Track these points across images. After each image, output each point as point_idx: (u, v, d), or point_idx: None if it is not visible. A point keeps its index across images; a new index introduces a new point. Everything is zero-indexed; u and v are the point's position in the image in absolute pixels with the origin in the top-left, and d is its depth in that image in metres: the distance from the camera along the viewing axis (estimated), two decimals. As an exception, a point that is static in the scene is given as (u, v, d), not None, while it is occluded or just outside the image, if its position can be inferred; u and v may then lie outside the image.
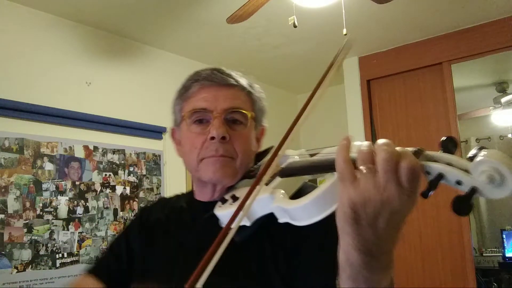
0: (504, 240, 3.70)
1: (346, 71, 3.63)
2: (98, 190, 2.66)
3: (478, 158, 0.48)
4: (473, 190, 0.50)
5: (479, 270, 3.30)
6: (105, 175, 2.71)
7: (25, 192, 2.32)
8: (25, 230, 2.29)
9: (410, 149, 0.54)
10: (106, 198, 2.69)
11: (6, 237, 2.22)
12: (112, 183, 2.74)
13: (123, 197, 2.78)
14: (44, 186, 2.40)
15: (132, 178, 2.85)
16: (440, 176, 0.53)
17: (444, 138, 0.54)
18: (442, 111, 3.18)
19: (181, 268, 0.78)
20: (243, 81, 0.96)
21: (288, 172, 0.78)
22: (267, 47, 3.23)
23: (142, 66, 3.05)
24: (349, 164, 0.54)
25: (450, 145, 0.54)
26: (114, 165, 2.76)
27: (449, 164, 0.52)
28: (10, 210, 2.25)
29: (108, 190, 2.71)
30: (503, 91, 3.63)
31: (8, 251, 2.21)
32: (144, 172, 2.93)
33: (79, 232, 2.52)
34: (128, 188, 2.82)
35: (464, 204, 0.52)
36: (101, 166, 2.70)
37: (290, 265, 0.80)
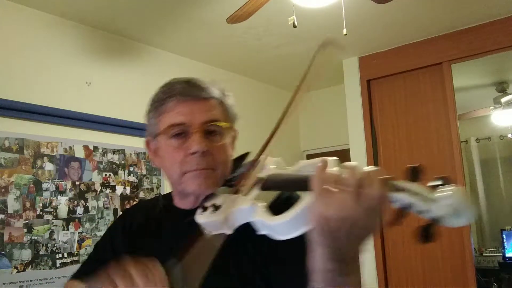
0: (504, 240, 3.70)
1: (346, 71, 3.63)
2: (98, 190, 2.66)
3: (441, 195, 0.56)
4: (435, 220, 0.57)
5: (479, 270, 3.30)
6: (105, 175, 2.71)
7: (25, 192, 2.32)
8: (25, 230, 2.29)
9: (380, 176, 0.60)
10: (106, 198, 2.69)
11: (6, 237, 2.22)
12: (112, 183, 2.74)
13: (123, 197, 2.78)
14: (44, 186, 2.40)
15: (132, 178, 2.85)
16: (405, 207, 0.59)
17: (410, 166, 0.60)
18: (442, 111, 3.18)
19: None
20: (216, 92, 0.98)
21: (268, 186, 0.82)
22: (267, 47, 3.23)
23: (142, 66, 3.05)
24: (324, 186, 0.62)
25: (416, 174, 0.60)
26: (114, 165, 2.76)
27: (414, 195, 0.58)
28: (10, 210, 2.25)
29: (108, 190, 2.71)
30: (503, 91, 3.63)
31: (8, 251, 2.21)
32: (144, 172, 2.93)
33: (79, 232, 2.52)
34: (128, 188, 2.82)
35: (427, 233, 0.59)
36: (101, 166, 2.70)
37: (269, 268, 0.85)
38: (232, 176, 0.96)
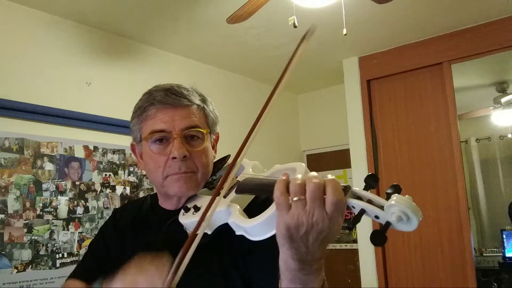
0: (504, 240, 3.70)
1: (346, 71, 3.64)
2: (98, 190, 2.66)
3: (390, 202, 0.62)
4: (387, 225, 0.63)
5: (479, 270, 3.30)
6: (105, 175, 2.71)
7: (25, 192, 2.32)
8: (25, 230, 2.29)
9: (338, 184, 0.66)
10: (106, 198, 2.69)
11: (6, 237, 2.22)
12: (112, 183, 2.74)
13: (123, 197, 2.78)
14: (44, 186, 2.40)
15: (132, 178, 2.85)
16: (362, 212, 0.65)
17: (367, 175, 0.67)
18: (442, 111, 3.18)
19: None
20: (196, 99, 1.03)
21: (242, 190, 0.87)
22: (267, 47, 3.23)
23: (142, 66, 3.05)
24: (284, 196, 0.67)
25: (372, 182, 0.66)
26: (114, 165, 2.76)
27: (369, 201, 0.65)
28: (10, 210, 2.25)
29: (108, 190, 2.71)
30: (503, 91, 3.63)
31: (8, 251, 2.21)
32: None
33: (79, 232, 2.52)
34: (128, 188, 2.82)
35: (380, 236, 0.63)
36: (101, 166, 2.70)
37: (246, 266, 0.90)
38: (213, 178, 1.02)
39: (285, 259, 0.70)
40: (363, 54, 3.52)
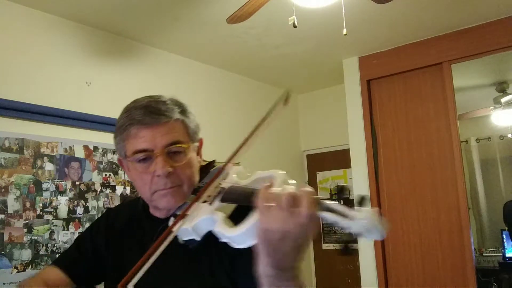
0: (504, 240, 3.70)
1: (346, 71, 3.63)
2: (98, 190, 2.66)
3: (358, 214, 0.67)
4: (355, 235, 0.67)
5: (479, 270, 3.30)
6: (105, 175, 2.71)
7: (25, 192, 2.32)
8: (25, 230, 2.29)
9: (314, 198, 0.71)
10: (106, 198, 2.69)
11: (6, 237, 2.22)
12: (112, 183, 2.74)
13: (123, 197, 2.78)
14: (44, 186, 2.40)
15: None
16: (330, 224, 0.69)
17: (337, 187, 0.78)
18: (442, 111, 3.18)
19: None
20: (175, 112, 1.04)
21: (226, 199, 0.91)
22: (267, 47, 3.23)
23: (142, 66, 3.05)
24: (264, 203, 0.72)
25: (342, 194, 0.81)
26: (114, 165, 2.76)
27: (339, 214, 0.69)
28: (10, 210, 2.25)
29: (108, 190, 2.71)
30: (503, 91, 3.63)
31: (8, 251, 2.21)
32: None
33: (79, 232, 2.52)
34: (128, 188, 2.82)
35: (347, 246, 0.69)
36: (101, 166, 2.70)
37: (234, 269, 0.94)
38: (199, 185, 1.04)
39: (263, 266, 0.74)
40: (363, 54, 3.52)
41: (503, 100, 3.61)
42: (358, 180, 3.49)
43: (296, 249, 0.71)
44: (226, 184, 0.94)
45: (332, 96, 4.19)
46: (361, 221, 0.66)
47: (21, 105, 2.34)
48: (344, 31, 2.18)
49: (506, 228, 3.67)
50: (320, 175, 4.35)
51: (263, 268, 0.74)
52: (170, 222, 0.95)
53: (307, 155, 4.45)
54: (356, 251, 0.69)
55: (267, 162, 3.91)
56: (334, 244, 4.19)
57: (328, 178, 4.28)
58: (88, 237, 1.22)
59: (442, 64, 3.18)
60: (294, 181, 0.76)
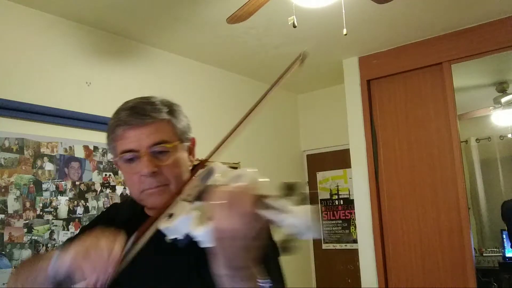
0: (504, 240, 3.70)
1: (346, 71, 3.64)
2: (98, 190, 2.66)
3: (293, 213, 0.66)
4: (291, 235, 0.66)
5: (479, 270, 3.30)
6: (105, 175, 2.71)
7: (25, 192, 2.32)
8: (25, 230, 2.29)
9: (256, 194, 0.70)
10: (106, 198, 2.69)
11: (6, 237, 2.22)
12: (112, 183, 2.74)
13: (123, 197, 2.78)
14: (44, 186, 2.40)
15: (132, 178, 2.85)
16: (269, 222, 0.69)
17: (282, 183, 0.71)
18: (442, 111, 3.18)
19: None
20: (162, 112, 1.05)
21: (200, 197, 0.90)
22: (267, 47, 3.23)
23: (142, 66, 3.05)
24: (214, 201, 0.72)
25: (286, 191, 0.70)
26: (114, 165, 2.76)
27: (276, 212, 0.68)
28: (10, 210, 2.25)
29: (108, 190, 2.71)
30: (503, 91, 3.63)
31: (8, 251, 2.21)
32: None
33: (79, 232, 2.52)
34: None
35: (286, 246, 0.67)
36: (101, 166, 2.70)
37: (209, 272, 0.95)
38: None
39: (217, 265, 0.74)
40: (363, 54, 3.52)
41: (503, 100, 3.62)
42: (358, 180, 3.49)
43: (245, 249, 0.71)
44: (208, 183, 0.94)
45: (332, 96, 4.19)
46: (295, 220, 0.66)
47: (21, 105, 2.34)
48: (344, 31, 2.18)
49: (506, 228, 3.67)
50: (320, 175, 4.35)
51: (218, 267, 0.74)
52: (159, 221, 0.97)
53: (307, 155, 4.45)
54: (297, 249, 0.70)
55: (267, 162, 3.91)
56: (334, 244, 4.19)
57: (328, 178, 4.28)
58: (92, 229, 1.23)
59: (442, 64, 3.18)
60: (266, 179, 0.76)
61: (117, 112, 1.08)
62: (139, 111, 1.04)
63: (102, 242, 0.87)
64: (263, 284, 0.77)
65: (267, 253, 0.77)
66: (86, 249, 0.88)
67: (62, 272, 0.89)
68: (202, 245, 0.83)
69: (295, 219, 0.66)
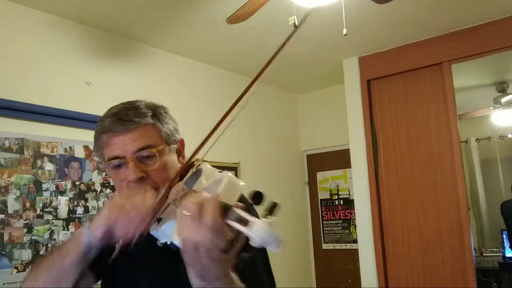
0: (504, 240, 3.70)
1: (346, 71, 3.63)
2: (98, 190, 2.66)
3: (256, 226, 0.66)
4: (255, 244, 0.66)
5: (479, 270, 3.30)
6: (105, 175, 2.71)
7: (25, 192, 2.32)
8: (25, 230, 2.29)
9: (221, 205, 0.70)
10: (106, 198, 2.69)
11: (6, 237, 2.22)
12: (112, 183, 2.74)
13: (123, 197, 2.78)
14: (44, 186, 2.40)
15: (132, 178, 2.85)
16: (237, 233, 0.68)
17: (252, 192, 0.71)
18: (442, 111, 3.18)
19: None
20: (146, 117, 1.04)
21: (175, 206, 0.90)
22: (267, 47, 3.23)
23: (142, 66, 3.05)
24: (180, 211, 0.71)
25: (257, 200, 0.70)
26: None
27: (241, 223, 0.67)
28: (10, 210, 2.25)
29: (108, 190, 2.71)
30: (503, 91, 3.63)
31: (8, 251, 2.21)
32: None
33: (79, 232, 2.52)
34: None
35: (235, 248, 0.68)
36: (101, 166, 2.70)
37: None
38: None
39: (189, 276, 0.74)
40: (363, 54, 3.52)
41: (503, 100, 3.61)
42: (358, 180, 3.49)
43: (213, 260, 0.70)
44: (194, 186, 0.93)
45: (332, 96, 4.19)
46: (258, 233, 0.66)
47: (21, 105, 2.34)
48: (344, 31, 2.18)
49: (506, 228, 3.67)
50: (320, 175, 4.35)
51: (191, 278, 0.74)
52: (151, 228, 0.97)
53: (307, 155, 4.45)
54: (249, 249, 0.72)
55: (267, 162, 3.91)
56: (334, 244, 4.19)
57: (328, 178, 4.28)
58: None
59: (442, 64, 3.18)
60: (242, 183, 0.75)
61: (102, 120, 1.07)
62: (122, 117, 1.03)
63: (135, 196, 0.88)
64: None
65: (254, 257, 0.77)
66: (120, 204, 0.88)
67: (97, 234, 0.89)
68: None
69: (258, 232, 0.66)
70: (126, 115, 1.03)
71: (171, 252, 0.91)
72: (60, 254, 0.97)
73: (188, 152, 1.15)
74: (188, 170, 1.00)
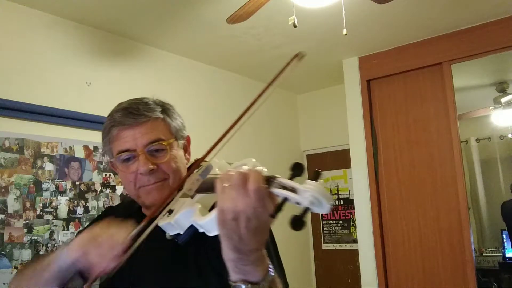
0: (504, 240, 3.70)
1: (346, 71, 3.63)
2: (98, 190, 2.66)
3: (303, 188, 0.67)
4: (306, 210, 0.67)
5: (479, 270, 3.30)
6: (105, 175, 2.71)
7: (25, 192, 2.32)
8: (25, 230, 2.29)
9: (264, 175, 0.71)
10: (106, 198, 2.69)
11: (6, 237, 2.22)
12: (112, 183, 2.74)
13: (123, 197, 2.78)
14: (44, 186, 2.40)
15: (132, 178, 2.85)
16: (285, 200, 0.69)
17: (292, 164, 0.71)
18: (442, 111, 3.18)
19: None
20: (156, 111, 1.06)
21: (201, 189, 0.92)
22: (267, 47, 3.23)
23: (142, 66, 3.05)
24: (219, 183, 0.72)
25: (297, 171, 0.71)
26: (110, 167, 2.76)
27: (291, 190, 0.68)
28: (10, 210, 2.25)
29: (108, 190, 2.71)
30: (503, 91, 3.63)
31: (8, 251, 2.21)
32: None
33: (79, 233, 2.52)
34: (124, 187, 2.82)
35: (297, 221, 0.67)
36: (101, 166, 2.70)
37: (221, 262, 0.95)
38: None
39: (224, 249, 0.74)
40: (363, 54, 3.52)
41: (503, 100, 3.62)
42: (358, 180, 3.49)
43: (251, 231, 0.70)
44: (206, 177, 0.96)
45: (332, 96, 4.19)
46: (307, 194, 0.66)
47: (21, 105, 2.34)
48: (344, 31, 2.18)
49: (506, 228, 3.67)
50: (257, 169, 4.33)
51: (225, 251, 0.74)
52: (158, 219, 0.97)
53: (307, 155, 4.45)
54: (305, 224, 0.70)
55: (267, 162, 3.90)
56: (334, 244, 4.19)
57: (328, 178, 4.28)
58: None
59: (442, 64, 3.18)
60: (265, 169, 0.76)
61: (111, 114, 1.09)
62: (133, 111, 1.05)
63: (110, 229, 0.89)
64: (271, 268, 0.77)
65: (267, 242, 0.77)
66: (94, 236, 0.89)
67: (69, 261, 0.90)
68: (209, 234, 0.83)
69: (311, 192, 0.66)
70: (137, 109, 1.05)
71: (176, 246, 0.92)
72: (41, 267, 0.99)
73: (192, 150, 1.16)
74: (198, 167, 1.02)
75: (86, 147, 2.63)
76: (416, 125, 3.29)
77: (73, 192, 2.53)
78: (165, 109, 1.10)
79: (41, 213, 2.37)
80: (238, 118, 0.90)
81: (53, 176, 2.45)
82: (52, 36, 2.58)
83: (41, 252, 2.34)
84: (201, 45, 3.16)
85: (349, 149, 3.58)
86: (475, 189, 3.92)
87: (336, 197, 4.23)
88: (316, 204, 0.66)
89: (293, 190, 0.68)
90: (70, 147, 2.56)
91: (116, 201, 2.74)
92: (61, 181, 2.48)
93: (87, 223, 2.55)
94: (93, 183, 2.64)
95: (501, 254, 3.70)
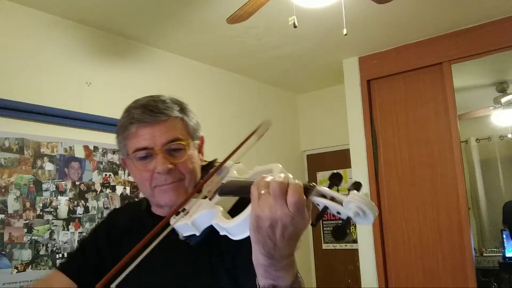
0: (504, 240, 3.70)
1: (346, 71, 3.63)
2: (98, 190, 2.66)
3: (348, 199, 0.66)
4: (347, 220, 0.67)
5: (479, 270, 3.30)
6: (105, 175, 2.71)
7: (25, 192, 2.32)
8: (25, 230, 2.29)
9: (304, 184, 0.71)
10: (106, 198, 2.69)
11: (6, 237, 2.22)
12: (112, 183, 2.74)
13: (124, 197, 2.78)
14: (44, 186, 2.40)
15: (132, 178, 2.85)
16: (325, 208, 0.69)
17: (331, 174, 0.73)
18: (442, 111, 3.18)
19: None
20: (174, 110, 1.05)
21: (224, 192, 0.92)
22: (267, 47, 3.23)
23: (142, 66, 3.05)
24: (256, 189, 0.71)
25: (336, 180, 0.72)
26: (114, 165, 2.76)
27: (332, 199, 0.69)
28: (10, 210, 2.25)
29: (108, 190, 2.71)
30: (503, 91, 3.63)
31: (8, 251, 2.21)
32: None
33: (79, 232, 2.52)
34: (128, 188, 2.82)
35: (340, 231, 0.67)
36: (101, 166, 2.70)
37: (235, 264, 0.95)
38: (200, 181, 1.04)
39: (256, 254, 0.73)
40: (363, 54, 3.52)
41: (503, 100, 3.61)
42: (358, 180, 3.49)
43: (287, 238, 0.70)
44: (226, 180, 0.95)
45: (332, 96, 4.19)
46: (351, 205, 0.66)
47: (21, 105, 2.34)
48: (344, 31, 2.18)
49: (506, 228, 3.67)
50: (320, 175, 4.35)
51: (256, 256, 0.73)
52: (171, 219, 0.96)
53: (307, 155, 4.45)
54: (348, 235, 0.69)
55: (267, 162, 3.90)
56: (334, 244, 4.19)
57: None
58: (92, 240, 1.22)
59: (442, 64, 3.18)
60: (285, 174, 0.76)
61: (128, 110, 1.06)
62: (152, 108, 1.03)
63: None
64: (299, 273, 0.77)
65: None
66: None
67: None
68: (232, 238, 0.83)
69: (357, 203, 0.65)
70: (156, 107, 1.03)
71: (189, 247, 0.93)
72: None
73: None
74: (211, 168, 1.03)
75: (86, 147, 2.63)
76: (416, 125, 3.29)
77: (73, 192, 2.53)
78: (183, 108, 1.09)
79: (41, 213, 2.37)
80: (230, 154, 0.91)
81: (53, 176, 2.45)
82: (52, 36, 2.58)
83: (41, 252, 2.34)
84: (201, 45, 3.16)
85: (349, 149, 3.58)
86: (475, 189, 3.91)
87: (336, 197, 4.23)
88: (360, 215, 0.66)
89: (333, 199, 0.68)
90: (70, 147, 2.55)
91: (116, 201, 2.74)
92: (61, 181, 2.48)
93: (87, 223, 2.55)
94: (93, 183, 2.64)
95: (501, 254, 3.70)
